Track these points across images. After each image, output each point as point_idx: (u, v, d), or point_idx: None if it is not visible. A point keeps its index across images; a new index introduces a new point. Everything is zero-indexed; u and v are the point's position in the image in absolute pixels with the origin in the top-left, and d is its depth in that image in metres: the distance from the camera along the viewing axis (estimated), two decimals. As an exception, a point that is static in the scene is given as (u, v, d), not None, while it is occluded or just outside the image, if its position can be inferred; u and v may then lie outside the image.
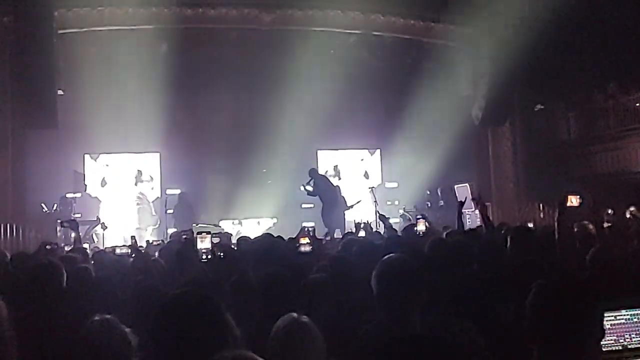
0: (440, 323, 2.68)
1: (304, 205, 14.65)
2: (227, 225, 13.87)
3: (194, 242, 6.05)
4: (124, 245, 6.10)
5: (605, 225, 6.94)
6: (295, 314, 2.56)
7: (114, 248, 6.31)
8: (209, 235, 4.45)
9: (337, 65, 14.94)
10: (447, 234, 6.07)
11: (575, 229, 5.05)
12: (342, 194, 14.18)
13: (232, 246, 6.63)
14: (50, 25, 11.67)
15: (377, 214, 7.37)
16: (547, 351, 1.95)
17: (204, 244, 4.34)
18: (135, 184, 15.60)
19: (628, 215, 8.31)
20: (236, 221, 14.39)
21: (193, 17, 13.16)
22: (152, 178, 15.73)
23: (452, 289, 3.09)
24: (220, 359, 1.37)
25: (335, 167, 16.93)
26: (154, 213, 14.91)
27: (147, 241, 7.94)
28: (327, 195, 12.46)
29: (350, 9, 13.71)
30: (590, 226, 5.20)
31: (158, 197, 15.32)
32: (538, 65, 13.74)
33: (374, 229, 8.77)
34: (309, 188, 12.54)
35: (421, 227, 6.25)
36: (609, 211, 10.24)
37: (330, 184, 12.90)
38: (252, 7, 13.34)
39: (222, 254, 4.74)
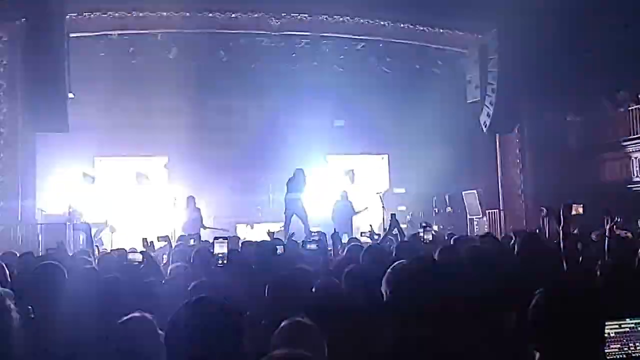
0: (451, 331, 2.68)
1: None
2: (242, 230, 13.92)
3: (208, 247, 6.06)
4: (132, 251, 6.06)
5: (619, 232, 6.90)
6: (297, 318, 2.56)
7: (124, 251, 6.30)
8: (226, 241, 4.46)
9: (346, 70, 14.98)
10: (455, 240, 6.03)
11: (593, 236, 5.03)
12: (349, 200, 14.20)
13: (238, 250, 6.61)
14: (61, 29, 11.74)
15: (391, 217, 7.28)
16: (549, 358, 1.96)
17: (221, 249, 4.35)
18: (141, 187, 15.67)
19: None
20: (248, 226, 14.44)
21: (203, 22, 13.23)
22: (157, 181, 15.81)
23: (462, 297, 3.09)
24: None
25: (350, 171, 16.91)
26: (161, 217, 14.95)
27: (151, 241, 7.94)
28: (288, 194, 12.46)
29: (359, 15, 13.75)
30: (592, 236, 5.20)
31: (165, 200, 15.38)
32: (546, 73, 13.72)
33: (378, 235, 8.70)
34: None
35: (427, 235, 6.22)
36: (618, 219, 10.17)
37: (299, 187, 12.79)
38: (261, 12, 13.41)
39: (232, 258, 4.76)
